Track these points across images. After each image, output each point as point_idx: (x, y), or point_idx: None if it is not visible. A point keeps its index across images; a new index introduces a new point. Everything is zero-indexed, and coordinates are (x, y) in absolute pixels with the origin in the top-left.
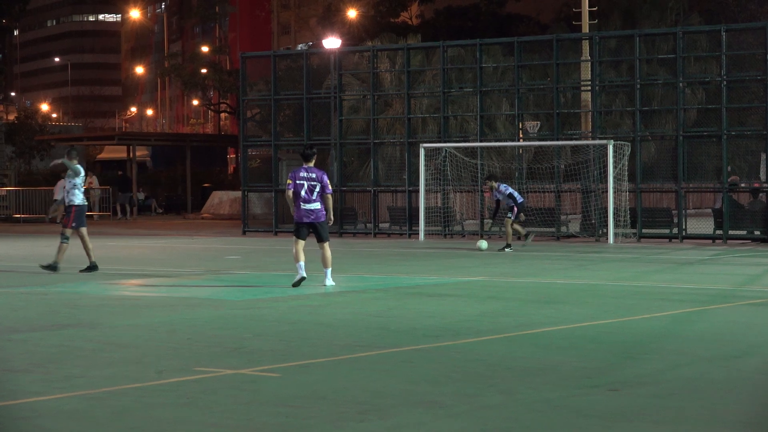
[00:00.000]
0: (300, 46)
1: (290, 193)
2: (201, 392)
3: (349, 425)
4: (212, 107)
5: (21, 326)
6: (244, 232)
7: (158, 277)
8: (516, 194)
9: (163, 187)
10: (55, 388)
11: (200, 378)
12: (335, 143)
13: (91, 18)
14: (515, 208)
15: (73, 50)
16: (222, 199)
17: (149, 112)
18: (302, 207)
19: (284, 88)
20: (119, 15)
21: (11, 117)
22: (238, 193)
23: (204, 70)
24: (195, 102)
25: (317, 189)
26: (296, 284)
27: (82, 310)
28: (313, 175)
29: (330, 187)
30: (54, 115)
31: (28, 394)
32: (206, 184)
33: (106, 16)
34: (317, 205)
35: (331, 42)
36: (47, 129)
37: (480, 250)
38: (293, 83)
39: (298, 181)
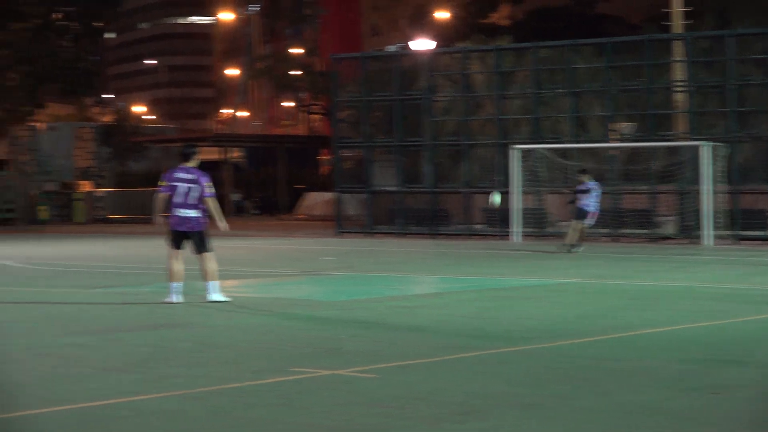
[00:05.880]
0: (389, 47)
1: (162, 196)
2: (298, 393)
3: (447, 426)
4: (304, 109)
5: (119, 326)
6: (338, 233)
7: (254, 278)
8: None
9: (258, 188)
10: (153, 387)
11: (297, 378)
12: (427, 145)
13: (184, 20)
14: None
15: (166, 52)
16: (316, 200)
17: (242, 113)
18: (176, 213)
19: (376, 90)
20: (211, 17)
21: (107, 119)
22: (332, 194)
23: (296, 72)
24: (287, 103)
25: (195, 193)
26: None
27: (177, 310)
28: (192, 177)
29: (211, 190)
30: (149, 117)
31: (127, 393)
32: (300, 185)
33: (199, 18)
34: (193, 213)
35: (420, 43)
36: (142, 131)
37: (494, 204)
38: (384, 84)
39: (173, 183)
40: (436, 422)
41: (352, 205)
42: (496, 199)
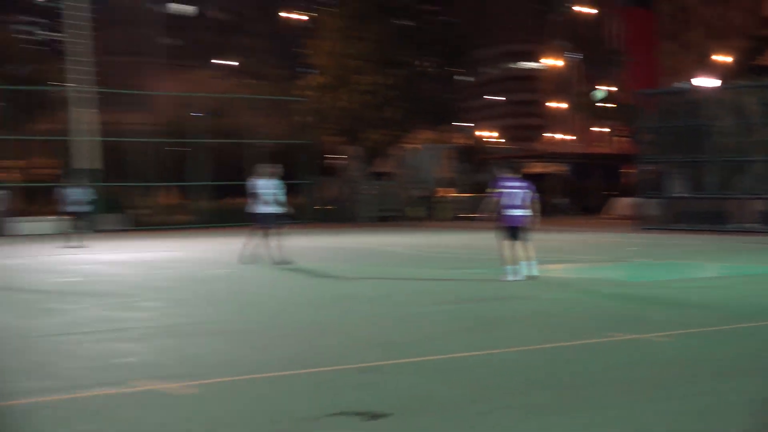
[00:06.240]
0: (676, 84)
1: (493, 200)
2: (609, 351)
3: (709, 381)
4: (614, 133)
5: (470, 298)
6: (640, 230)
7: (572, 263)
8: None
9: (579, 194)
10: (499, 344)
11: (611, 341)
12: (711, 160)
13: (520, 65)
14: None
15: (508, 90)
16: (621, 204)
17: (565, 136)
18: (509, 213)
19: (670, 118)
20: (540, 63)
21: (464, 142)
22: (635, 199)
23: (609, 105)
24: (600, 129)
25: (523, 197)
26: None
27: (513, 286)
28: (519, 184)
29: (536, 195)
30: (498, 140)
31: (479, 348)
32: (608, 192)
33: (532, 63)
34: (521, 212)
35: (702, 81)
36: (490, 150)
37: (595, 97)
38: (676, 114)
39: (503, 189)
40: (704, 377)
41: (651, 207)
42: (598, 94)
